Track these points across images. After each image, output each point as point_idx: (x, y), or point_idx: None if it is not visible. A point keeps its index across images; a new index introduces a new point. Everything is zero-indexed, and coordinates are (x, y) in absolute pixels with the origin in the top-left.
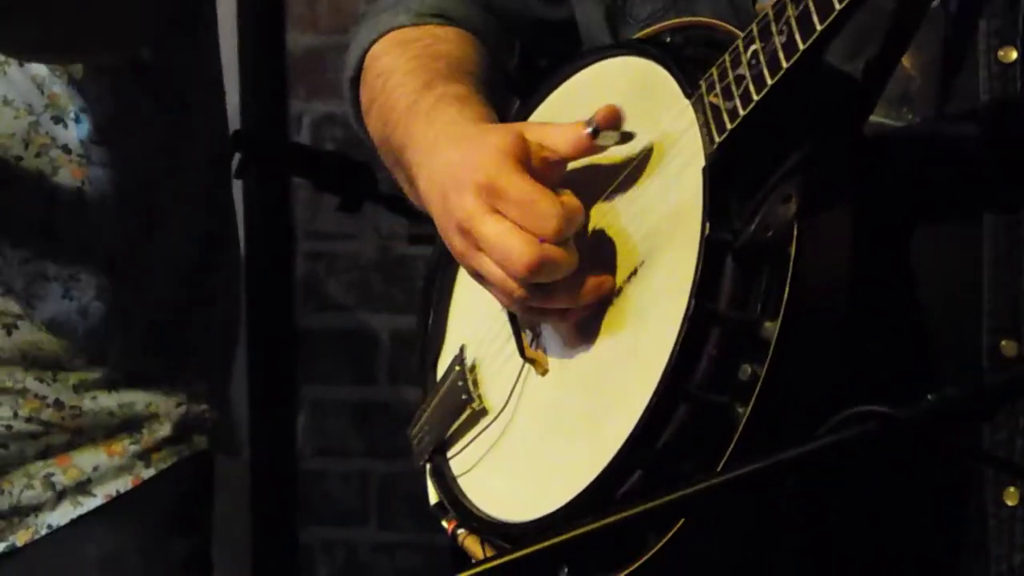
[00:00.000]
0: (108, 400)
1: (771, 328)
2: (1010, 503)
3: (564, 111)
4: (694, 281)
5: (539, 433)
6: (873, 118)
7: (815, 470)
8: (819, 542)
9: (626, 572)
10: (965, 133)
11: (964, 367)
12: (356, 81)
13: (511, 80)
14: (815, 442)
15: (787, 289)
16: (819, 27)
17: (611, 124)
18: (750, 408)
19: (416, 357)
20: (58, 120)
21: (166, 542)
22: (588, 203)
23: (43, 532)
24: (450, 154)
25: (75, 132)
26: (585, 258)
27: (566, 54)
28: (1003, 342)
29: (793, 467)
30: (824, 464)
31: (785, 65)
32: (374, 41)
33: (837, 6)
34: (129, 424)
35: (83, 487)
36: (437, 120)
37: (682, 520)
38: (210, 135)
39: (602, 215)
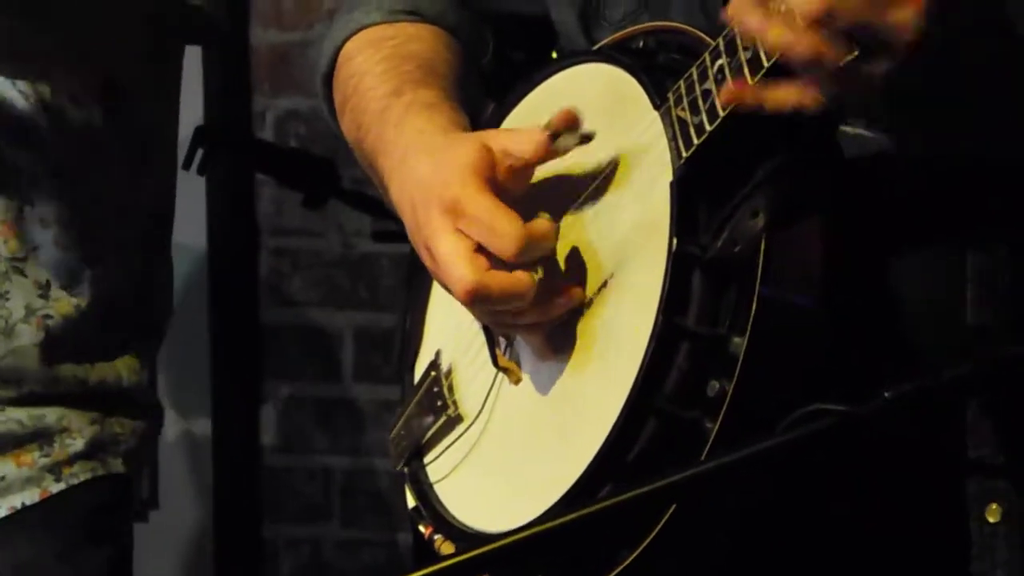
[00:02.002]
0: (18, 412)
1: (739, 343)
2: (992, 520)
3: (537, 116)
4: (662, 296)
5: (513, 443)
6: (851, 130)
7: (772, 468)
8: (798, 559)
9: None
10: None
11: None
12: (329, 78)
13: (484, 76)
14: (770, 440)
15: (754, 304)
16: None
17: (568, 126)
18: (718, 423)
19: (394, 356)
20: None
21: (82, 551)
22: (557, 215)
23: None
24: (419, 168)
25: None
26: (554, 270)
27: (540, 48)
28: None
29: (748, 465)
30: (781, 462)
31: (751, 81)
32: (347, 38)
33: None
34: (39, 436)
35: None
36: (407, 130)
37: (654, 533)
38: (160, 188)
39: (571, 227)
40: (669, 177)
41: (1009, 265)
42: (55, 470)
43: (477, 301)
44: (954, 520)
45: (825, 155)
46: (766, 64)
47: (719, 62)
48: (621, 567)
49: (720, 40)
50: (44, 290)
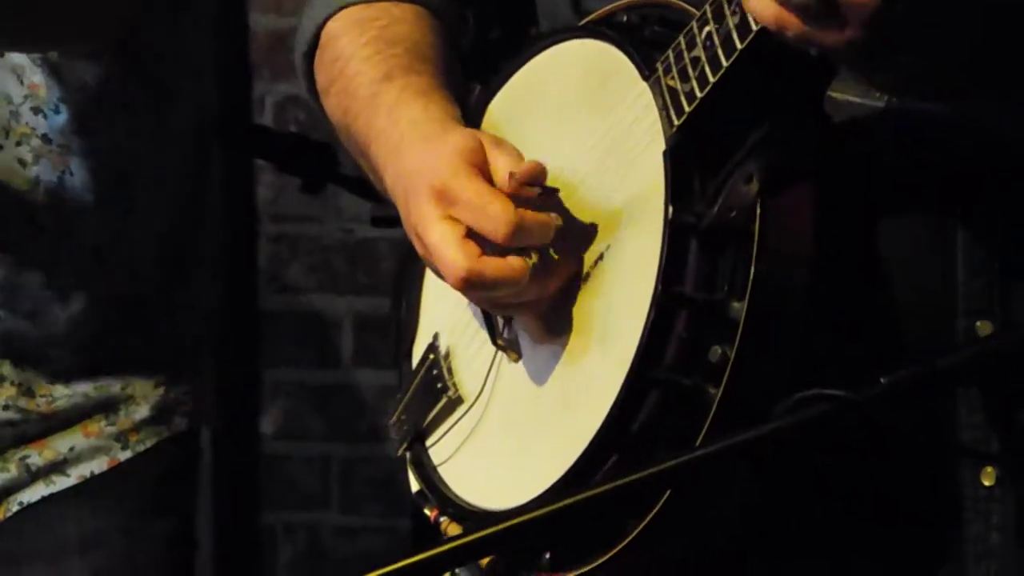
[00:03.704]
0: (84, 384)
1: (739, 308)
2: (987, 483)
3: (525, 97)
4: (659, 265)
5: (515, 420)
6: (841, 96)
7: (769, 454)
8: (792, 524)
9: (606, 556)
10: (935, 112)
11: (939, 347)
12: (310, 56)
13: (464, 57)
14: (767, 425)
15: (752, 269)
16: None
17: (530, 181)
18: (722, 389)
19: (390, 344)
20: (37, 110)
21: (147, 522)
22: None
23: (14, 509)
24: (413, 157)
25: (55, 122)
26: (549, 247)
27: (519, 27)
28: (978, 323)
29: (745, 451)
30: (778, 448)
31: (740, 46)
32: (328, 17)
33: None
34: (105, 405)
35: (58, 467)
36: (401, 118)
37: (659, 505)
38: (192, 120)
39: (565, 202)
40: (662, 146)
41: (996, 229)
42: (122, 438)
43: (471, 287)
44: (949, 483)
45: (815, 120)
46: (754, 28)
47: (707, 28)
48: (628, 539)
49: (707, 7)
50: (95, 255)
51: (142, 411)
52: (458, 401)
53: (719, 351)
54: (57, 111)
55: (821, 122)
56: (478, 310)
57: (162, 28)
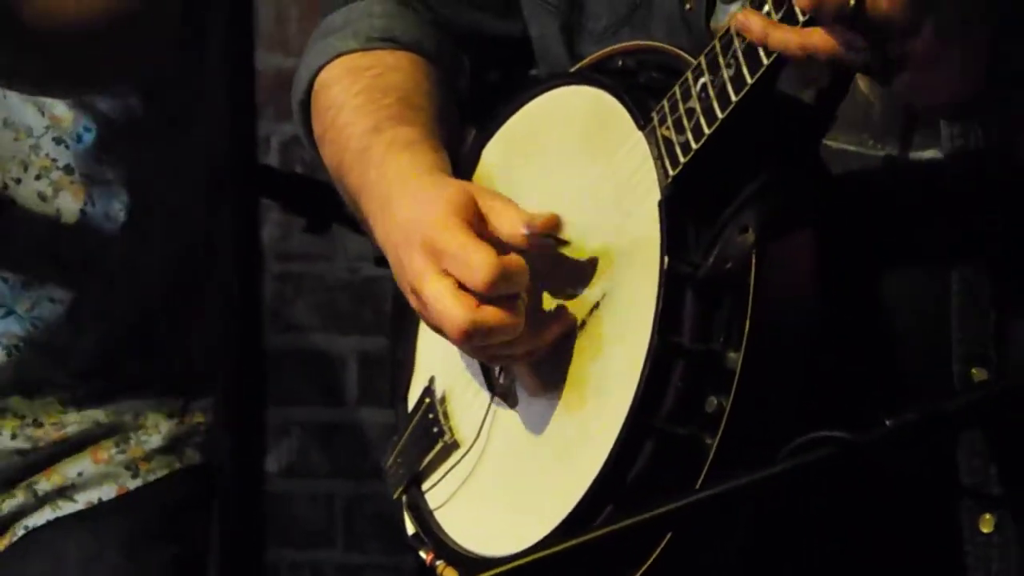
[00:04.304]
0: (96, 410)
1: (735, 358)
2: (985, 530)
3: (520, 142)
4: (655, 315)
5: (511, 468)
6: (835, 144)
7: (772, 497)
8: (791, 569)
9: None
10: (929, 160)
11: (935, 394)
12: (306, 104)
13: (462, 101)
14: (771, 468)
15: (748, 319)
16: (766, 61)
17: (548, 231)
18: (718, 439)
19: (387, 387)
20: (60, 140)
21: (151, 546)
22: None
23: (20, 534)
24: (402, 211)
25: (77, 151)
26: (545, 295)
27: (516, 68)
28: (973, 369)
29: (749, 494)
30: (781, 490)
31: (734, 99)
32: (323, 66)
33: None
34: (116, 431)
35: (64, 492)
36: (388, 171)
37: (657, 552)
38: (205, 148)
39: (560, 251)
40: (657, 196)
41: (992, 277)
42: (132, 466)
43: (472, 337)
44: (948, 531)
45: (811, 170)
46: (749, 81)
47: (702, 80)
48: None
49: (702, 58)
50: (109, 283)
51: (154, 440)
52: (454, 446)
53: (715, 401)
54: (79, 140)
55: (817, 172)
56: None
57: (181, 60)
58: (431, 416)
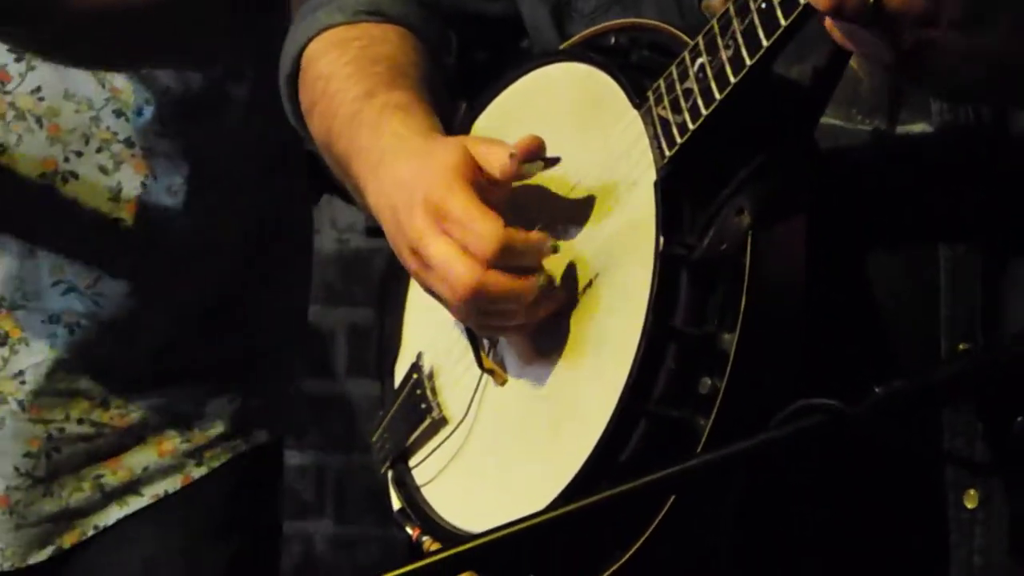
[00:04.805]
0: (158, 397)
1: (729, 340)
2: (970, 506)
3: (512, 118)
4: (650, 297)
5: (501, 445)
6: (823, 120)
7: (763, 465)
8: (778, 544)
9: None
10: (916, 135)
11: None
12: (293, 79)
13: (449, 77)
14: (761, 436)
15: (743, 301)
16: (765, 43)
17: (531, 156)
18: (711, 420)
19: (373, 361)
20: (119, 114)
21: (211, 545)
22: (541, 217)
23: (90, 533)
24: (398, 171)
25: (137, 125)
26: (540, 271)
27: (504, 48)
28: (961, 345)
29: (738, 462)
30: (771, 458)
31: (733, 80)
32: (311, 39)
33: (782, 22)
34: (180, 421)
35: (131, 487)
36: (382, 133)
37: (648, 532)
38: (269, 123)
39: (556, 228)
40: (652, 177)
41: (980, 253)
42: (196, 454)
43: (475, 301)
44: (932, 506)
45: (806, 151)
46: (748, 63)
47: (700, 60)
48: (614, 567)
49: (700, 39)
50: (175, 262)
51: (218, 426)
52: (442, 422)
53: (709, 383)
54: (140, 113)
55: (812, 153)
56: (463, 330)
57: (249, 27)
58: (419, 392)
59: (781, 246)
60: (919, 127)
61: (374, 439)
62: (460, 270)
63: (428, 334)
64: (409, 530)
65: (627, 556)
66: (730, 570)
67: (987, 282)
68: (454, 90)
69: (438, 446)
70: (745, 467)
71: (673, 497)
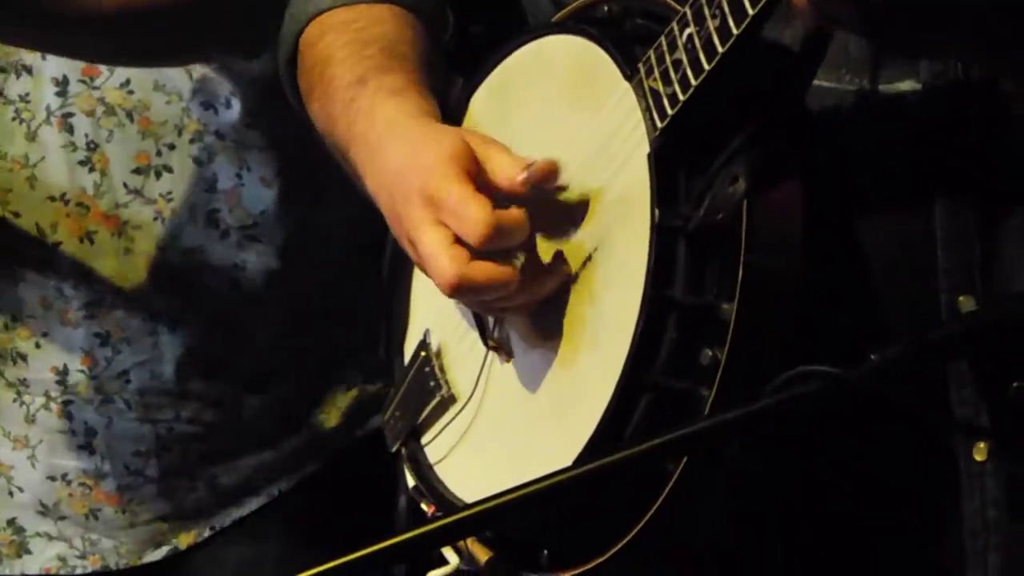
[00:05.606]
0: (270, 396)
1: (728, 309)
2: (979, 459)
3: (508, 93)
4: (648, 269)
5: (508, 422)
6: (815, 82)
7: (759, 431)
8: (786, 504)
9: (602, 558)
10: (907, 90)
11: (924, 324)
12: (292, 64)
13: (447, 53)
14: (756, 403)
15: (740, 269)
16: (751, 11)
17: (545, 180)
18: (714, 391)
19: (381, 340)
20: (208, 106)
21: (334, 527)
22: (537, 199)
23: (206, 534)
24: (395, 158)
25: (227, 117)
26: (538, 249)
27: (500, 20)
28: (960, 298)
29: (736, 429)
30: (767, 425)
31: (721, 50)
32: (308, 21)
33: None
34: (292, 416)
35: (246, 488)
36: (377, 119)
37: (655, 507)
38: None
39: (551, 204)
40: (646, 149)
41: (976, 205)
42: (311, 450)
43: (461, 292)
44: (942, 460)
45: (797, 117)
46: (735, 32)
47: (687, 31)
48: (623, 542)
49: (687, 9)
50: (281, 253)
51: (332, 419)
52: (451, 400)
53: (710, 353)
54: (228, 105)
55: (805, 119)
56: (468, 309)
57: None
58: (427, 369)
59: (776, 213)
60: (907, 84)
61: (386, 417)
62: (444, 263)
63: (434, 310)
64: (424, 507)
65: (633, 532)
66: (732, 538)
67: (983, 232)
68: (452, 64)
69: (448, 423)
70: (742, 434)
71: (677, 474)
